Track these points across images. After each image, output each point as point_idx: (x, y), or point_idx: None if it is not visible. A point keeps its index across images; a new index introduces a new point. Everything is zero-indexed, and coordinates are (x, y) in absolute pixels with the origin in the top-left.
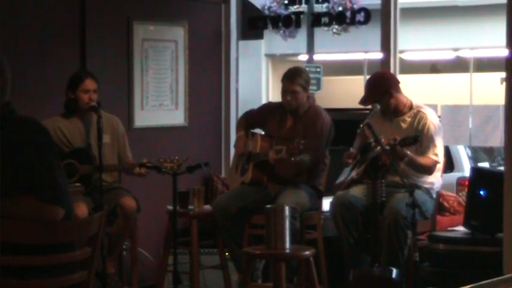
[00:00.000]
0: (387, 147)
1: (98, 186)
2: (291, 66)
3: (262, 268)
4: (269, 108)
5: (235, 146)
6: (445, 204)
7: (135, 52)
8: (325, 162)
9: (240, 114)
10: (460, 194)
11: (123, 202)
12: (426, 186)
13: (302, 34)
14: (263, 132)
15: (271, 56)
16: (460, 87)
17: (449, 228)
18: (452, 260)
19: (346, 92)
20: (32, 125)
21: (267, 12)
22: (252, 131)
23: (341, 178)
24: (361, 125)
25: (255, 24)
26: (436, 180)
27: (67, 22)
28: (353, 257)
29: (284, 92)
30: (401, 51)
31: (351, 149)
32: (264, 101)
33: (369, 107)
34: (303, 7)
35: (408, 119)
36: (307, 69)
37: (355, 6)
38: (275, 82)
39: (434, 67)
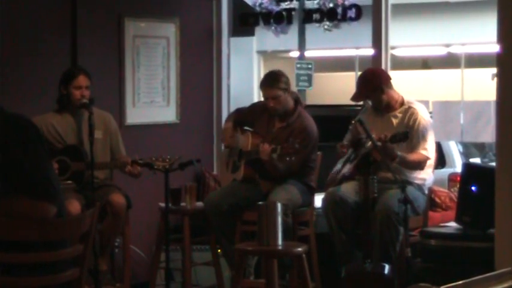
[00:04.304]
0: (379, 144)
1: (89, 183)
2: (283, 62)
3: (254, 265)
4: (258, 108)
5: (221, 139)
6: (437, 200)
7: (127, 49)
8: (313, 160)
9: (232, 110)
10: (452, 189)
11: (112, 199)
12: (418, 182)
13: (293, 31)
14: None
15: (262, 53)
16: (452, 83)
17: (441, 224)
18: (444, 255)
19: (337, 88)
20: (21, 122)
21: (258, 8)
22: (243, 128)
23: (338, 166)
24: (353, 121)
25: (246, 21)
26: (427, 176)
27: (58, 18)
28: (345, 254)
29: (266, 99)
30: (393, 48)
31: (344, 141)
32: (255, 98)
33: (361, 103)
34: (294, 3)
35: (399, 115)
36: (298, 65)
37: (347, 3)
38: None
39: (425, 63)
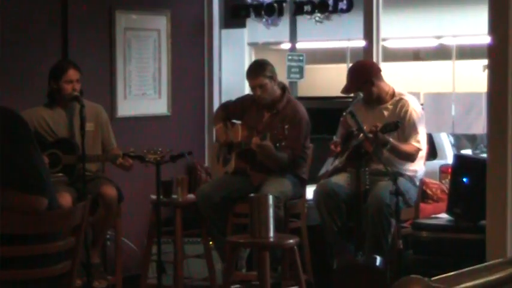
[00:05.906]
0: (370, 135)
1: (81, 176)
2: (274, 54)
3: (246, 257)
4: (246, 101)
5: (217, 140)
6: (429, 191)
7: (118, 41)
8: (306, 152)
9: (222, 102)
10: (443, 181)
11: (104, 191)
12: (409, 174)
13: (285, 22)
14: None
15: (254, 45)
16: (443, 75)
17: (433, 216)
18: (436, 247)
19: (329, 80)
20: (8, 115)
21: (249, 0)
22: (231, 121)
23: (324, 169)
24: (344, 113)
25: (237, 13)
26: (419, 167)
27: (49, 11)
28: (337, 246)
29: (252, 88)
30: (384, 39)
31: (335, 138)
32: (247, 90)
33: (352, 95)
34: None
35: (390, 107)
36: (289, 57)
37: None
38: None
39: (417, 55)
